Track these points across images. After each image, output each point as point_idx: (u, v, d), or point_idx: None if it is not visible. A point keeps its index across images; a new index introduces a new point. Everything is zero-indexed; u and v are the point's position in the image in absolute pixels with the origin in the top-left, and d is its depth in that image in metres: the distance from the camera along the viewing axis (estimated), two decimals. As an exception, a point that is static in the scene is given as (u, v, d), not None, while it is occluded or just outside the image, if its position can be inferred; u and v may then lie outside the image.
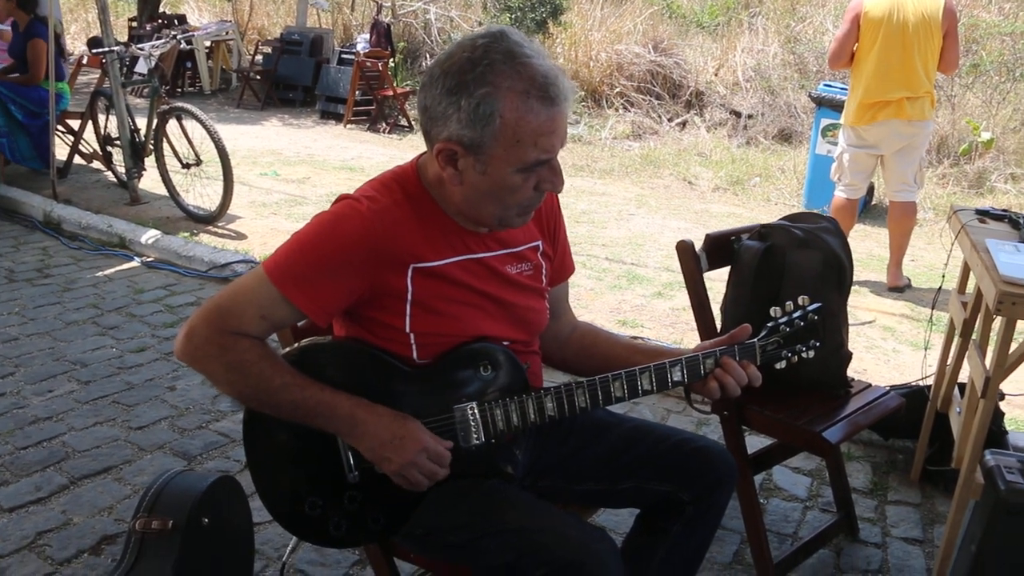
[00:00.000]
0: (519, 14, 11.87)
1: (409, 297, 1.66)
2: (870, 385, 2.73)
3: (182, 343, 1.62)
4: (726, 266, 2.63)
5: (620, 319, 4.62)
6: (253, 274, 1.65)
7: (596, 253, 5.82)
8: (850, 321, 2.91)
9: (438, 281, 1.68)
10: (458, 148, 1.58)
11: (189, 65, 12.28)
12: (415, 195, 1.69)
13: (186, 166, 6.12)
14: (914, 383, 3.52)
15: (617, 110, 10.79)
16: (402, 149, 9.37)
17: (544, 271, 1.89)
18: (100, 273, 5.12)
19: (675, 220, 6.98)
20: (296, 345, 1.75)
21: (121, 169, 6.67)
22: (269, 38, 13.13)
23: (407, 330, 1.68)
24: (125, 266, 5.27)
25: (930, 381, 3.29)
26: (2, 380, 3.67)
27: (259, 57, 12.34)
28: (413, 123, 10.66)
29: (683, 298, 4.74)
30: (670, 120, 10.63)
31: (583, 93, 10.94)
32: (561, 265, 1.99)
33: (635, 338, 4.23)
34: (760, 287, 2.49)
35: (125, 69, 7.15)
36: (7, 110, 6.44)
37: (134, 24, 13.29)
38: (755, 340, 1.81)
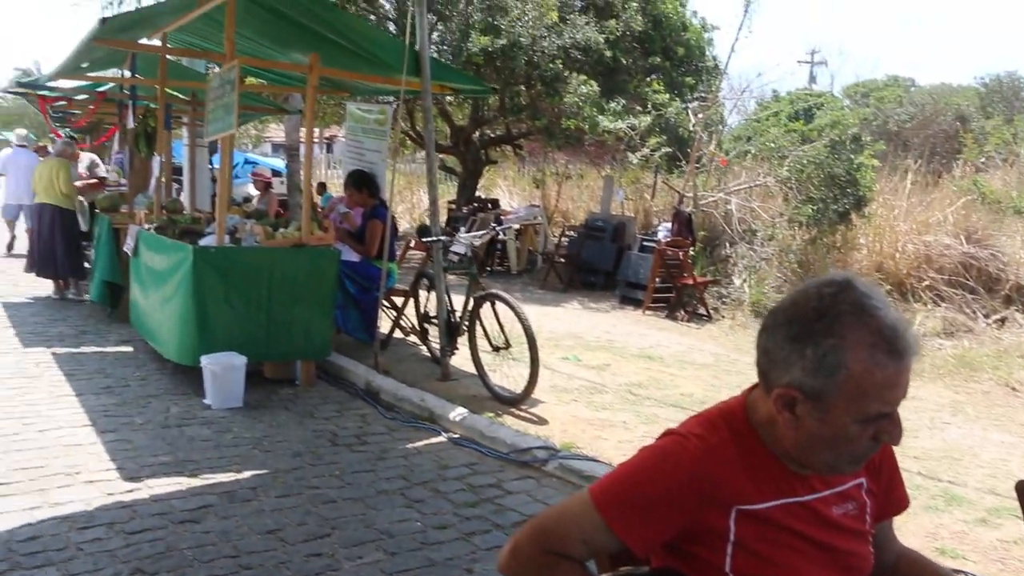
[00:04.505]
0: (821, 205, 11.65)
1: (731, 538, 1.65)
2: None
3: (506, 558, 1.70)
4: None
5: (937, 547, 4.21)
6: (579, 499, 1.70)
7: (907, 467, 5.38)
8: None
9: (762, 525, 1.66)
10: (798, 395, 1.58)
11: (499, 247, 13.22)
12: (742, 434, 1.70)
13: (495, 348, 6.45)
14: None
15: (926, 304, 10.24)
16: (700, 339, 9.27)
17: (868, 509, 1.81)
18: (410, 445, 5.45)
19: (997, 432, 6.32)
20: (613, 573, 1.77)
21: (436, 345, 7.19)
22: (573, 222, 13.88)
23: (727, 570, 1.66)
24: (432, 440, 5.58)
25: None
26: (320, 541, 3.95)
27: (564, 240, 13.03)
28: (711, 312, 10.67)
29: (1014, 528, 4.29)
30: (987, 317, 9.92)
31: (889, 286, 10.50)
32: (888, 499, 1.89)
33: (955, 571, 3.87)
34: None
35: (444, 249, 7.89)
36: (343, 286, 7.20)
37: (453, 206, 14.59)
38: None
